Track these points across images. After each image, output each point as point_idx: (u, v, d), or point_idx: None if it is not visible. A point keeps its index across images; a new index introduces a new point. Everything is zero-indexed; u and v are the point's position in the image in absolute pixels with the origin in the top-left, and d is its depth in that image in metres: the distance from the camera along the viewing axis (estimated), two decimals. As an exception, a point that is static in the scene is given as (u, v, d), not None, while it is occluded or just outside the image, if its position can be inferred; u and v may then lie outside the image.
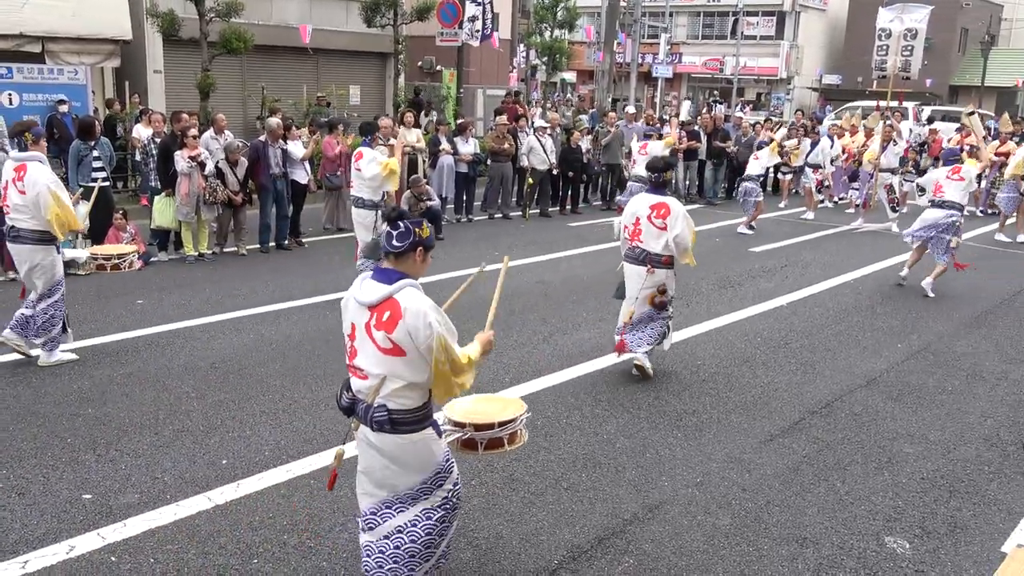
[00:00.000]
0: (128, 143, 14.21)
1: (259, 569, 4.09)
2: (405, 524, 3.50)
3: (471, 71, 24.48)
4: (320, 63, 21.86)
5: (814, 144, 16.45)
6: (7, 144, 11.80)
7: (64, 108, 13.80)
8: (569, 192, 15.97)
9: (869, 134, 16.04)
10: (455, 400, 4.07)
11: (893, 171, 14.84)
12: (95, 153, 10.08)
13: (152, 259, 10.49)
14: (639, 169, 12.51)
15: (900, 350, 7.94)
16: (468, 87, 23.85)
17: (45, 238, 6.64)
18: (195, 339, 7.59)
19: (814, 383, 6.96)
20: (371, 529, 3.54)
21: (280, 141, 11.46)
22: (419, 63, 25.04)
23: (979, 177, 13.64)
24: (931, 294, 9.90)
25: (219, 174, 10.73)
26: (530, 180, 14.86)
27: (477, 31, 21.25)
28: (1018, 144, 15.96)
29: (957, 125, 21.84)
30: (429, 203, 11.95)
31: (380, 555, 3.50)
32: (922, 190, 13.89)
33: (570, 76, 42.53)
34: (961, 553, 4.48)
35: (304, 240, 12.07)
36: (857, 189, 16.12)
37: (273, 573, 4.06)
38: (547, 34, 30.52)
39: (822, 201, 17.30)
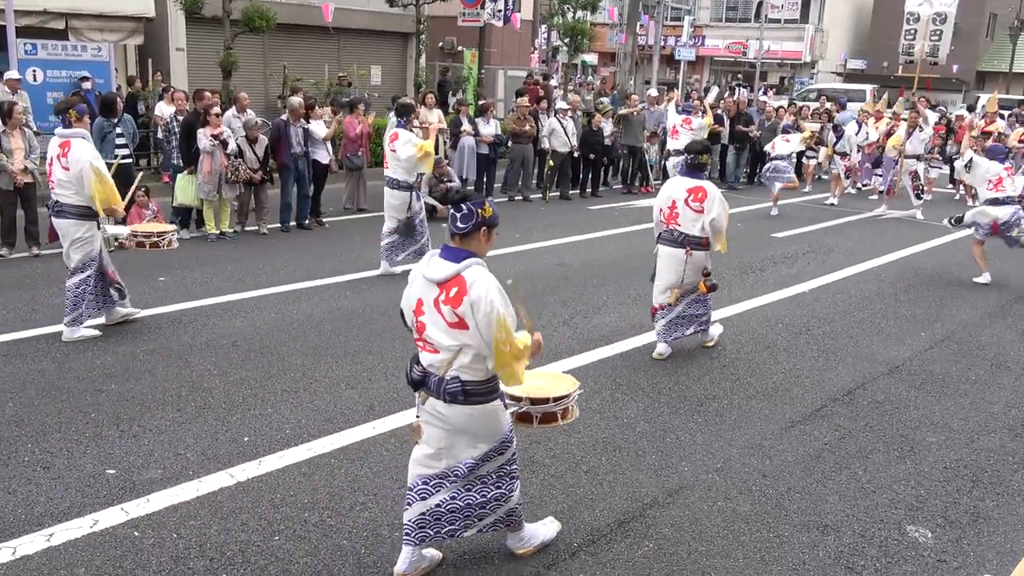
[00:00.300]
0: (150, 121, 14.25)
1: (280, 546, 4.11)
2: (460, 491, 3.78)
3: (492, 52, 24.37)
4: (342, 42, 21.81)
5: (840, 133, 16.26)
6: (31, 120, 11.93)
7: (87, 85, 13.84)
8: (590, 175, 15.90)
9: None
10: None
11: (918, 158, 14.66)
12: (118, 130, 10.12)
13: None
14: (678, 142, 12.50)
15: (923, 338, 7.87)
16: (489, 68, 23.74)
17: (86, 213, 6.80)
18: (217, 317, 7.63)
19: (836, 370, 6.92)
20: (424, 499, 3.78)
21: (301, 120, 11.46)
22: (440, 43, 24.96)
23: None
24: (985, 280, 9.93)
25: (238, 151, 10.75)
26: (551, 162, 14.79)
27: (499, 11, 21.16)
28: None
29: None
30: (449, 184, 11.93)
31: (436, 522, 3.78)
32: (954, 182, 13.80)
33: (591, 58, 42.19)
34: (984, 543, 4.44)
35: (325, 220, 12.09)
36: (881, 175, 15.94)
37: (294, 551, 4.08)
38: (569, 15, 30.26)
39: (848, 187, 17.12)
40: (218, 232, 10.79)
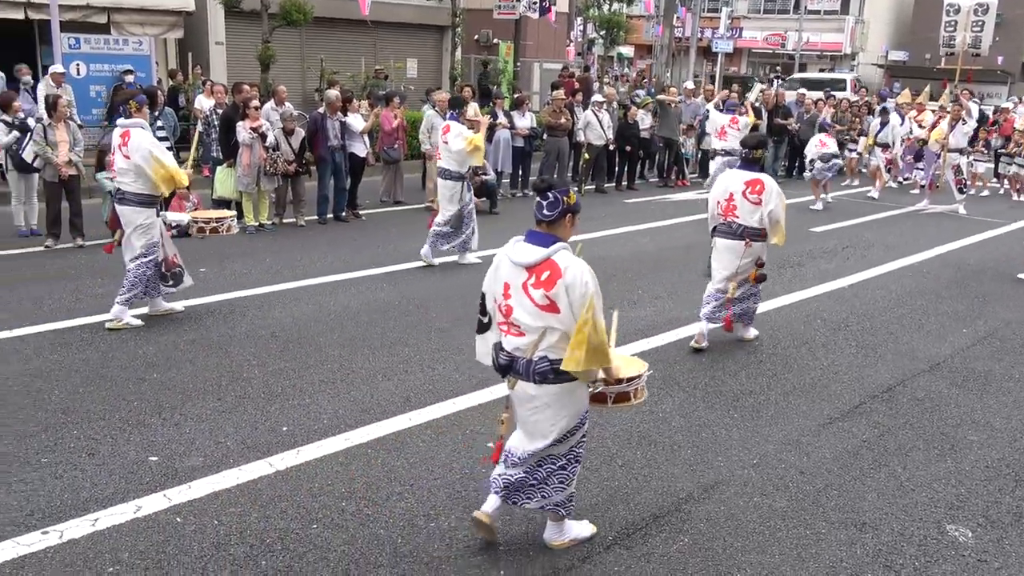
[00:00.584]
0: (191, 114, 14.44)
1: (319, 535, 4.17)
2: (534, 468, 3.94)
3: (528, 44, 24.33)
4: (378, 36, 21.90)
5: (884, 124, 16.01)
6: (75, 113, 12.14)
7: (130, 78, 14.06)
8: (625, 168, 15.83)
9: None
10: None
11: (961, 151, 14.39)
12: (159, 123, 10.28)
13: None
14: (727, 143, 12.44)
15: (965, 335, 7.74)
16: (525, 61, 23.71)
17: (146, 201, 7.05)
18: (256, 308, 7.73)
19: (875, 367, 6.83)
20: (515, 465, 3.94)
21: (339, 113, 11.54)
22: (476, 36, 24.95)
23: None
24: None
25: (275, 144, 10.86)
26: (586, 155, 14.75)
27: (535, 4, 21.12)
28: None
29: None
30: (485, 177, 11.94)
31: (518, 489, 3.94)
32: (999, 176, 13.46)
33: (628, 50, 41.94)
34: (1026, 544, 4.38)
35: (361, 212, 12.18)
36: (922, 169, 15.69)
37: (332, 539, 4.14)
38: (605, 7, 30.11)
39: (889, 181, 16.86)
40: (257, 224, 10.92)
